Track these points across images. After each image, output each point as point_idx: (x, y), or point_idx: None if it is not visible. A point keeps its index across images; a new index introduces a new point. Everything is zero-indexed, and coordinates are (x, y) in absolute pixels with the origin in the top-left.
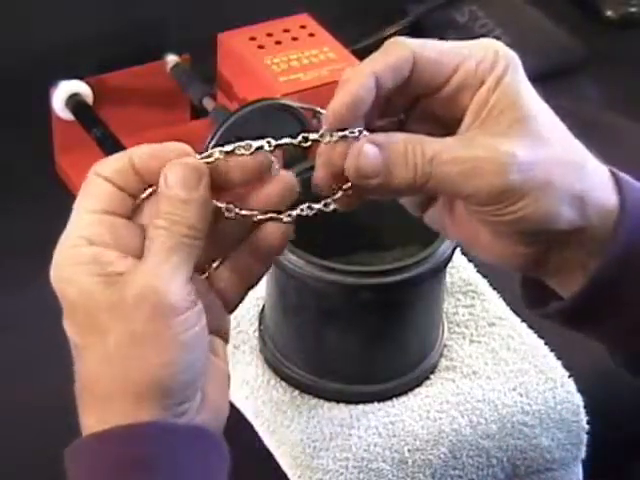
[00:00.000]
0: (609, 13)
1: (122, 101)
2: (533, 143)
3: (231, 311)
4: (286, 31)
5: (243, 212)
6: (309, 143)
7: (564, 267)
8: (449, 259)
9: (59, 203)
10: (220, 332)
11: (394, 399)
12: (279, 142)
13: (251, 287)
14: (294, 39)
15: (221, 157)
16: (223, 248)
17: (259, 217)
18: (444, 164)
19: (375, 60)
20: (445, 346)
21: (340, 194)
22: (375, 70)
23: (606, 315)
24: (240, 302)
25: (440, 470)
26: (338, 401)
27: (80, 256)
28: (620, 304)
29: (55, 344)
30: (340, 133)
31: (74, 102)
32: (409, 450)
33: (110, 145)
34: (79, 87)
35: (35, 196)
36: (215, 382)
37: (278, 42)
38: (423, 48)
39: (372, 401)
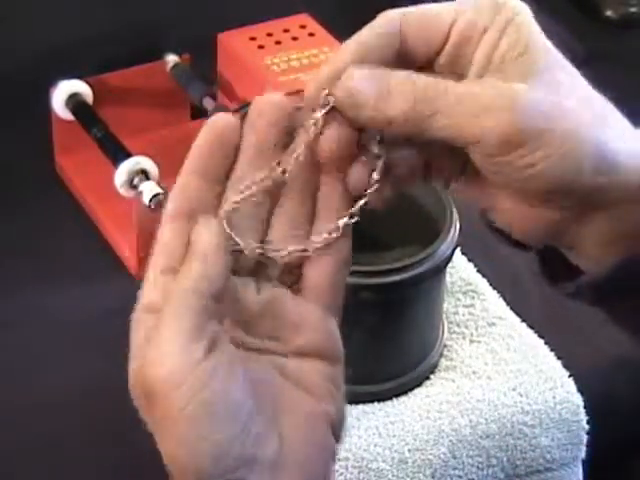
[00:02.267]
0: (609, 13)
1: (122, 101)
2: (550, 90)
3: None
4: (286, 31)
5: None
6: None
7: (592, 237)
8: (449, 259)
9: (59, 203)
10: (319, 353)
11: (394, 399)
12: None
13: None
14: (294, 39)
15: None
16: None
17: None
18: (451, 98)
19: (359, 33)
20: (445, 346)
21: (374, 187)
22: (361, 41)
23: None
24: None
25: (440, 470)
26: None
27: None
28: None
29: (54, 344)
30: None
31: (74, 102)
32: (409, 450)
33: (110, 145)
34: (79, 87)
35: (35, 196)
36: (298, 430)
37: (278, 42)
38: (410, 12)
39: (372, 401)
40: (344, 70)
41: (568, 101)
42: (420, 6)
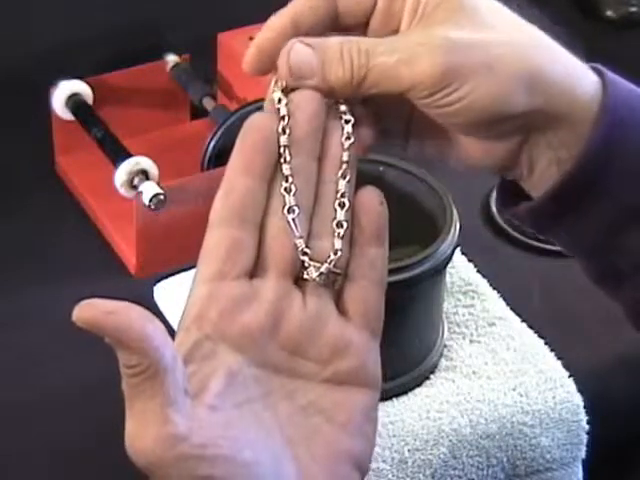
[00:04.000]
0: (609, 13)
1: (122, 101)
2: (472, 28)
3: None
4: None
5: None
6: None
7: (538, 165)
8: (449, 259)
9: (59, 203)
10: (358, 381)
11: (394, 399)
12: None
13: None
14: None
15: None
16: None
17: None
18: (380, 55)
19: (293, 3)
20: (445, 346)
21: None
22: (296, 10)
23: (580, 214)
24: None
25: (440, 470)
26: None
27: None
28: (596, 201)
29: (54, 344)
30: None
31: (74, 102)
32: (409, 450)
33: (110, 145)
34: (79, 87)
35: (35, 196)
36: (319, 463)
37: None
38: None
39: None
40: (281, 39)
41: (491, 33)
42: None
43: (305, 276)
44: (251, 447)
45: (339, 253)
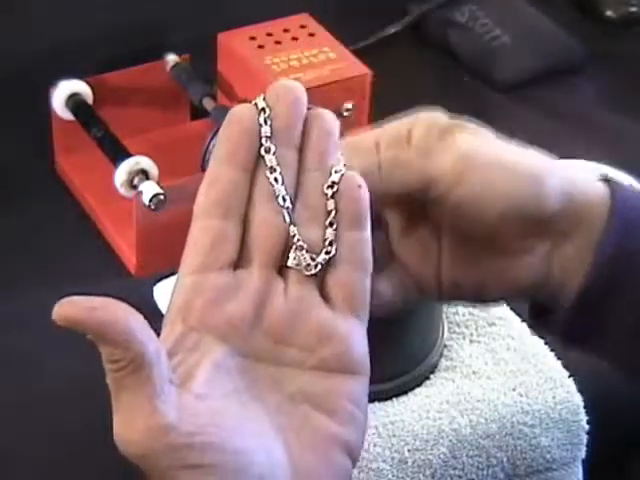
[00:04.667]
0: (609, 13)
1: (122, 101)
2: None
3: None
4: (286, 31)
5: None
6: None
7: (569, 273)
8: None
9: (59, 203)
10: (345, 368)
11: (394, 399)
12: None
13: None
14: (294, 39)
15: None
16: None
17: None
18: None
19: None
20: (445, 346)
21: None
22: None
23: (607, 321)
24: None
25: (440, 470)
26: None
27: None
28: (621, 305)
29: (54, 344)
30: None
31: (74, 102)
32: (409, 450)
33: (110, 145)
34: (79, 87)
35: (35, 196)
36: (310, 451)
37: (278, 42)
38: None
39: (372, 401)
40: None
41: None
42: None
43: (295, 266)
44: (240, 435)
45: (333, 244)
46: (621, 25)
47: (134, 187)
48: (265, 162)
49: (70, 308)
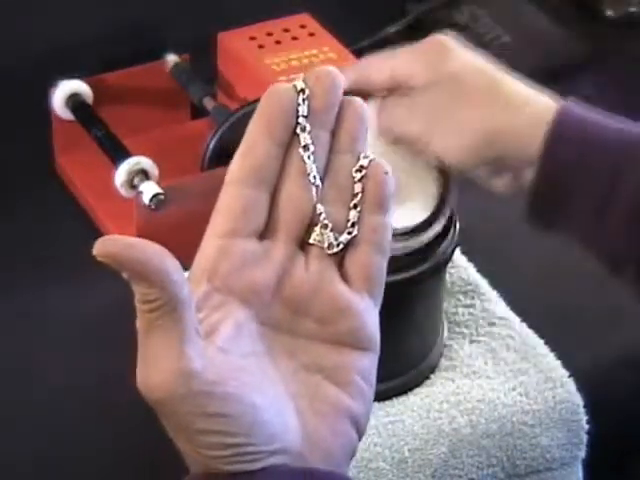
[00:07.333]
0: (609, 13)
1: (122, 101)
2: None
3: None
4: (286, 31)
5: None
6: None
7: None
8: (449, 258)
9: (59, 203)
10: (357, 343)
11: (394, 399)
12: None
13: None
14: (294, 39)
15: None
16: None
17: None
18: None
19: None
20: (445, 346)
21: None
22: None
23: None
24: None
25: (440, 470)
26: None
27: None
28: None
29: (54, 344)
30: None
31: (74, 102)
32: (409, 450)
33: (110, 145)
34: (79, 87)
35: (35, 196)
36: (322, 419)
37: (278, 42)
38: None
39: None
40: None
41: None
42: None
43: (317, 242)
44: (258, 392)
45: (355, 226)
46: (621, 25)
47: (134, 187)
48: (300, 140)
49: (110, 244)
